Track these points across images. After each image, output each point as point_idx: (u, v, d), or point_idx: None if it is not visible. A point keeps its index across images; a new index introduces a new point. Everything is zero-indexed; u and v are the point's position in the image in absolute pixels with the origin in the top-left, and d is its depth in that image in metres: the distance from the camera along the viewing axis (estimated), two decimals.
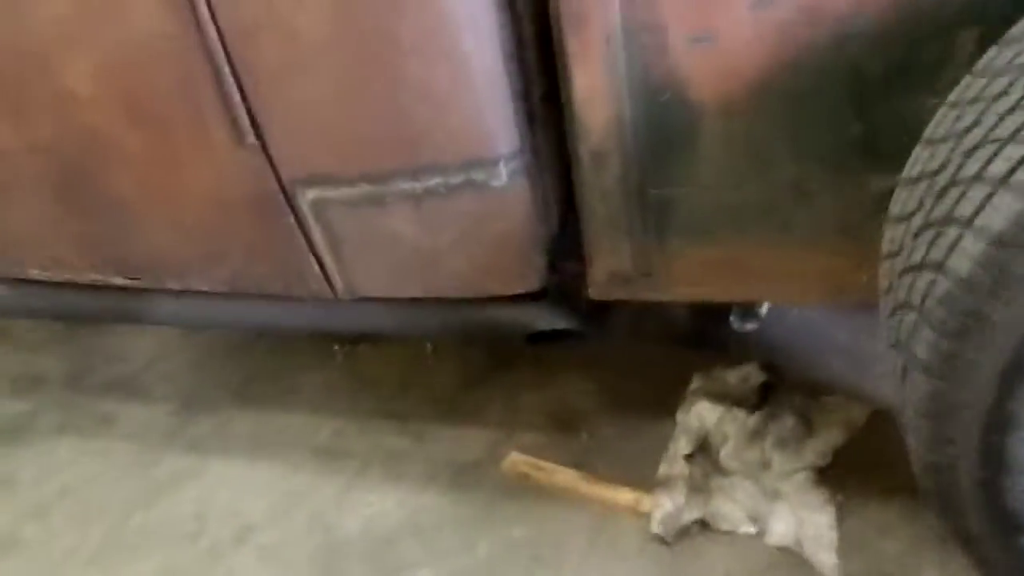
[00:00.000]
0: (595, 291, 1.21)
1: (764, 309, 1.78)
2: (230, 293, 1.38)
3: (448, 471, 1.58)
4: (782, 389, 1.55)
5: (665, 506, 1.35)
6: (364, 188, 1.14)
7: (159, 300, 1.48)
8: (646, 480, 1.43)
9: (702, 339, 1.79)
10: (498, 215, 1.14)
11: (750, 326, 1.77)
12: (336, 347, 2.00)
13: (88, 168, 1.27)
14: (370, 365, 1.93)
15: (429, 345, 1.91)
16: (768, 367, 1.60)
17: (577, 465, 1.50)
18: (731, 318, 1.77)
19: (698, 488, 1.38)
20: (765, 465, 1.41)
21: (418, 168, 1.10)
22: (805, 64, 0.96)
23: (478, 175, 1.10)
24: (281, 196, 1.18)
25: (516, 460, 1.54)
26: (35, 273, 1.53)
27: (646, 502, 1.38)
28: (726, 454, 1.41)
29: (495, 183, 1.10)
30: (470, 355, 1.87)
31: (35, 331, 2.31)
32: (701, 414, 1.47)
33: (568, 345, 1.82)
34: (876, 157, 0.99)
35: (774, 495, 1.36)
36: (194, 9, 1.04)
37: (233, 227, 1.25)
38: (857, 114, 0.98)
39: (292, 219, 1.20)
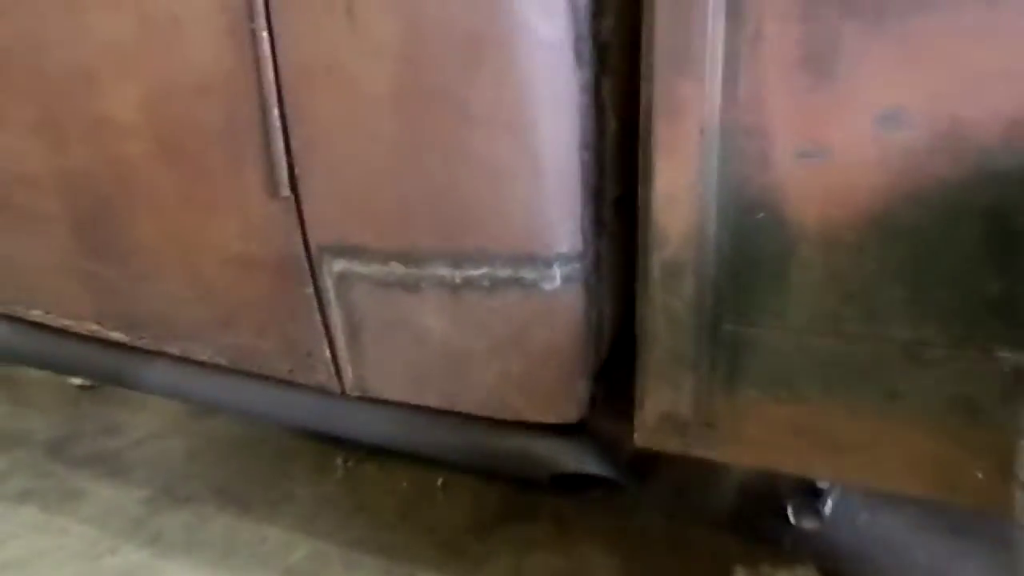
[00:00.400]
0: (641, 437, 1.01)
1: (829, 506, 1.53)
2: (230, 368, 1.23)
3: None
4: None
5: None
6: (397, 268, 0.99)
7: (154, 365, 1.34)
8: None
9: (751, 528, 1.53)
10: (543, 325, 0.98)
11: (810, 523, 1.51)
12: (339, 460, 1.80)
13: (113, 203, 1.17)
14: (371, 488, 1.71)
15: (440, 479, 1.71)
16: (826, 574, 1.34)
17: None
18: (788, 509, 1.53)
19: None
20: None
21: (462, 253, 0.96)
22: (935, 201, 0.80)
23: (528, 273, 0.95)
24: (305, 262, 1.04)
25: None
26: (37, 315, 1.41)
27: None
28: None
29: (546, 286, 0.95)
30: (484, 496, 1.65)
31: (39, 386, 2.18)
32: None
33: (593, 500, 1.60)
34: (1014, 326, 0.81)
35: None
36: (255, 45, 0.96)
37: (248, 290, 1.11)
38: (995, 270, 0.80)
39: (312, 290, 1.06)
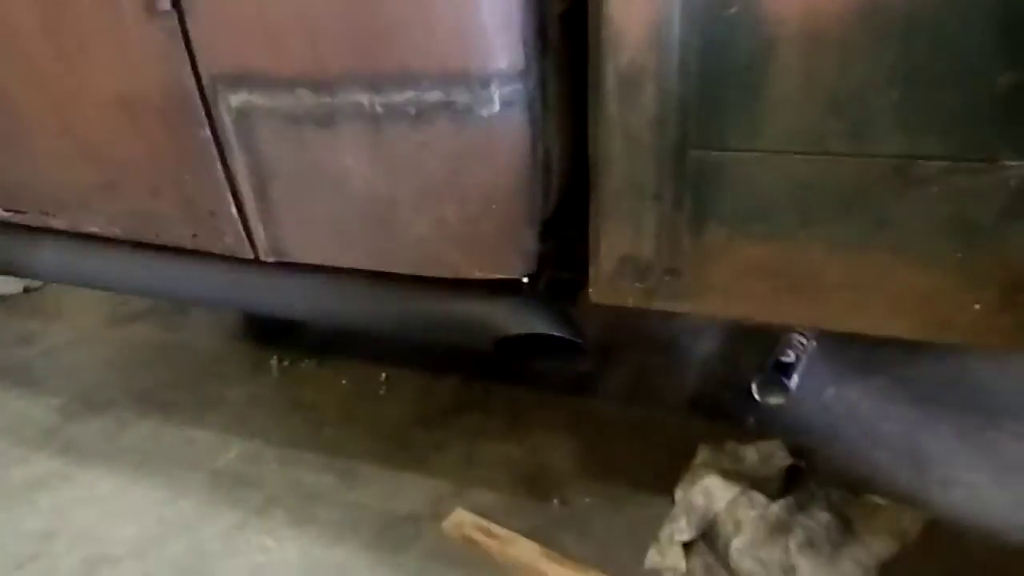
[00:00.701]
0: (597, 289, 0.89)
1: (795, 381, 1.45)
2: (127, 240, 1.07)
3: (375, 523, 1.22)
4: (813, 479, 1.21)
5: None
6: (306, 97, 0.84)
7: (44, 245, 1.17)
8: (627, 567, 1.08)
9: (714, 409, 1.45)
10: (481, 160, 0.84)
11: (775, 399, 1.44)
12: (274, 361, 1.67)
13: None
14: (309, 387, 1.59)
15: (384, 374, 1.59)
16: (797, 450, 1.26)
17: (541, 537, 1.15)
18: (753, 386, 1.44)
19: None
20: (787, 571, 1.06)
21: (381, 75, 0.81)
22: None
23: (461, 96, 0.80)
24: (197, 97, 0.88)
25: (463, 520, 1.19)
26: None
27: None
28: (738, 548, 1.06)
29: (482, 111, 0.80)
30: (431, 391, 1.54)
31: None
32: (709, 491, 1.13)
33: (548, 389, 1.50)
34: None
35: None
36: None
37: (135, 138, 0.95)
38: (1006, 62, 0.69)
39: (208, 133, 0.90)
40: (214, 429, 1.47)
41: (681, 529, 1.09)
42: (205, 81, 0.87)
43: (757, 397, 1.44)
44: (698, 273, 0.85)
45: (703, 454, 1.25)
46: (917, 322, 0.80)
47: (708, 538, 1.10)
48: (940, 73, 0.70)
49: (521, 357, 0.95)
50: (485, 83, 0.79)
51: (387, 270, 0.94)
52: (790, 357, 1.49)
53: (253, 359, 1.71)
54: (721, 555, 1.07)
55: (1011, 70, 0.68)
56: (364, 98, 0.82)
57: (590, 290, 0.90)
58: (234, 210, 0.94)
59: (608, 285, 0.87)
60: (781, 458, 1.23)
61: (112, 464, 1.40)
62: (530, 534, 1.16)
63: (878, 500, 1.18)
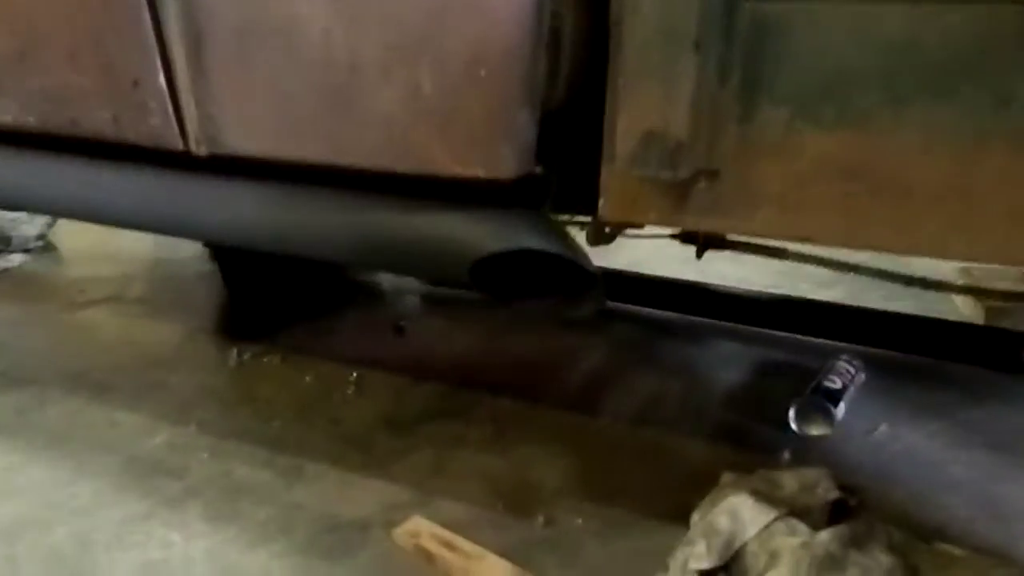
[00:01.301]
0: (611, 196, 0.68)
1: (841, 410, 1.21)
2: (40, 134, 0.88)
3: (311, 526, 0.98)
4: (867, 517, 0.96)
5: None
6: None
7: None
8: None
9: (741, 437, 1.21)
10: (470, 7, 0.65)
11: (818, 429, 1.19)
12: (234, 352, 1.45)
13: None
14: (267, 382, 1.37)
15: (355, 373, 1.36)
16: (846, 486, 1.01)
17: (517, 557, 0.90)
18: (791, 413, 1.20)
19: None
20: None
21: None
22: None
23: None
24: None
25: (419, 529, 0.94)
26: None
27: None
28: None
29: None
30: (407, 394, 1.32)
31: None
32: (737, 513, 0.88)
33: (543, 401, 1.27)
34: None
35: None
36: None
37: None
38: None
39: None
40: (145, 414, 1.25)
41: (699, 555, 0.84)
42: None
43: (795, 426, 1.20)
44: (745, 174, 0.63)
45: (726, 478, 1.00)
46: None
47: (732, 572, 0.84)
48: None
49: (506, 293, 0.73)
50: None
51: (344, 162, 0.74)
52: (836, 384, 1.26)
53: (211, 351, 1.49)
54: None
55: None
56: None
57: (600, 202, 0.69)
58: (162, 78, 0.75)
59: (625, 187, 0.66)
60: (826, 488, 0.97)
61: (16, 440, 1.17)
62: (504, 553, 0.91)
63: (955, 550, 0.92)
